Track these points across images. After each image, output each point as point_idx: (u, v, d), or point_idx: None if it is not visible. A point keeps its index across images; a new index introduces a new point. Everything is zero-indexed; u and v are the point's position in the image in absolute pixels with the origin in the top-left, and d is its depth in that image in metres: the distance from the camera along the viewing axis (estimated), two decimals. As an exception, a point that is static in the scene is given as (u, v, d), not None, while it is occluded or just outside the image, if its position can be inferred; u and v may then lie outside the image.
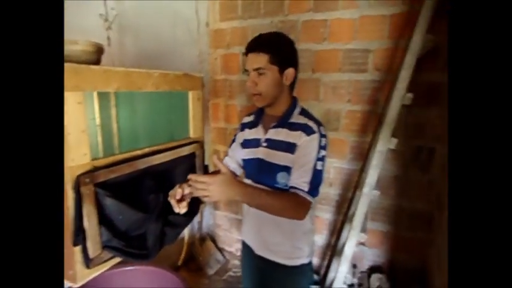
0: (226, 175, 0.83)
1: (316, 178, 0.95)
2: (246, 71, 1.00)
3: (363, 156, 1.69)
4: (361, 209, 1.35)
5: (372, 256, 1.76)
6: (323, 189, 1.82)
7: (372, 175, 1.31)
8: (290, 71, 0.99)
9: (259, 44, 0.97)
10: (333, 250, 1.84)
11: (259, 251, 1.12)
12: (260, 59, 0.96)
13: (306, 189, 0.93)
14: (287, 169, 0.99)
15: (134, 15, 1.50)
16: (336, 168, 1.77)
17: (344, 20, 1.63)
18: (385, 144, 1.29)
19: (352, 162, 1.72)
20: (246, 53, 1.00)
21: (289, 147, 0.98)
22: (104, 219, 0.78)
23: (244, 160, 1.14)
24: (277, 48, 0.97)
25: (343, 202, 1.79)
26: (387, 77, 1.57)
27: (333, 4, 1.64)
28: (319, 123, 0.99)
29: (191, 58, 1.92)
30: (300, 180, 0.94)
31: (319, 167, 0.95)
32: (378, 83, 1.60)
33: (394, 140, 1.29)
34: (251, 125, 1.13)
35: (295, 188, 0.94)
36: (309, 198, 0.93)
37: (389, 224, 1.67)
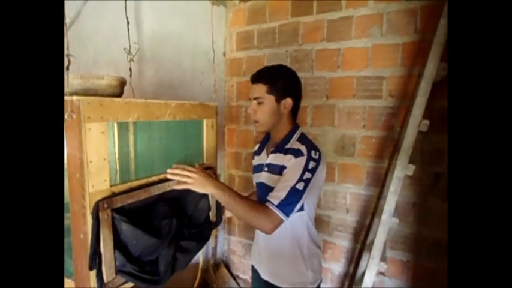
0: (206, 172, 0.95)
1: (292, 196, 0.94)
2: (250, 99, 1.10)
3: (379, 182, 1.67)
4: (380, 237, 1.32)
5: (393, 287, 1.68)
6: (340, 215, 1.80)
7: (390, 202, 1.29)
8: (287, 101, 1.06)
9: (259, 75, 1.08)
10: (351, 279, 1.78)
11: (264, 275, 1.14)
12: (259, 89, 1.06)
13: (276, 202, 0.94)
14: None
15: (158, 47, 1.60)
16: (352, 194, 1.75)
17: (357, 48, 1.68)
18: (402, 170, 1.28)
19: (369, 188, 1.70)
20: (251, 82, 1.10)
21: (281, 171, 1.02)
22: (119, 244, 0.80)
23: (255, 185, 1.21)
24: (275, 79, 1.05)
25: (361, 229, 1.75)
26: (402, 103, 1.58)
27: (345, 34, 1.70)
28: (312, 148, 1.01)
29: (209, 86, 2.00)
30: (274, 193, 0.96)
31: (299, 187, 0.95)
32: (392, 109, 1.61)
33: (412, 167, 1.28)
34: (258, 152, 1.22)
35: (267, 200, 0.96)
36: (276, 211, 0.93)
37: (409, 253, 1.61)
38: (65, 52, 0.62)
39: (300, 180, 0.95)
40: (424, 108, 1.25)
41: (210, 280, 2.09)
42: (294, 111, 1.11)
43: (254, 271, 1.22)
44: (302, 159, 0.98)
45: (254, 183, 1.24)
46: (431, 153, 1.53)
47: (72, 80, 0.77)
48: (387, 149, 1.64)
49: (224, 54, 2.14)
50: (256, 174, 1.18)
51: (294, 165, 0.98)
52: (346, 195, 1.76)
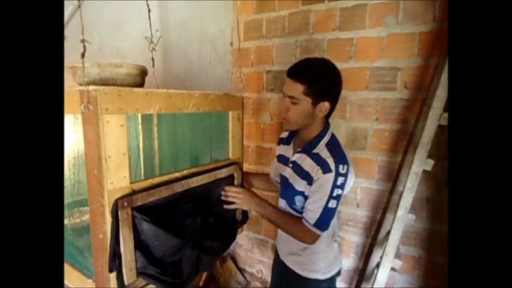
0: (250, 191, 1.07)
1: (326, 215, 0.97)
2: (283, 94, 1.01)
3: (392, 176, 1.63)
4: (395, 233, 1.29)
5: (403, 283, 1.66)
6: (350, 210, 1.77)
7: (407, 198, 1.25)
8: (325, 105, 0.97)
9: (298, 72, 0.95)
10: (360, 274, 1.76)
11: (281, 256, 1.18)
12: (295, 88, 0.95)
13: (313, 222, 0.98)
14: (303, 194, 1.03)
15: (166, 37, 1.53)
16: (363, 188, 1.71)
17: (371, 38, 1.61)
18: (420, 165, 1.24)
19: (381, 182, 1.66)
20: (287, 75, 0.98)
21: (307, 177, 1.00)
22: (140, 245, 0.76)
23: (280, 173, 1.19)
24: (315, 80, 0.94)
25: (372, 224, 1.72)
26: (417, 95, 1.53)
27: (359, 23, 1.63)
28: (340, 161, 0.95)
29: (217, 77, 1.94)
30: (310, 213, 0.99)
31: (331, 205, 0.96)
32: (407, 101, 1.56)
33: (430, 162, 1.24)
34: (285, 142, 1.18)
35: (304, 218, 1.00)
36: (313, 229, 0.98)
37: (422, 249, 1.59)
38: (80, 37, 0.56)
39: (330, 197, 0.95)
40: (445, 100, 1.20)
41: (217, 273, 2.07)
42: (329, 113, 1.03)
43: (276, 250, 1.26)
44: (330, 176, 0.94)
45: (275, 168, 1.24)
46: (447, 147, 1.48)
47: (89, 69, 0.71)
48: (401, 142, 1.60)
49: (231, 43, 2.07)
50: (281, 165, 1.16)
51: (322, 184, 0.95)
52: (357, 189, 1.72)
